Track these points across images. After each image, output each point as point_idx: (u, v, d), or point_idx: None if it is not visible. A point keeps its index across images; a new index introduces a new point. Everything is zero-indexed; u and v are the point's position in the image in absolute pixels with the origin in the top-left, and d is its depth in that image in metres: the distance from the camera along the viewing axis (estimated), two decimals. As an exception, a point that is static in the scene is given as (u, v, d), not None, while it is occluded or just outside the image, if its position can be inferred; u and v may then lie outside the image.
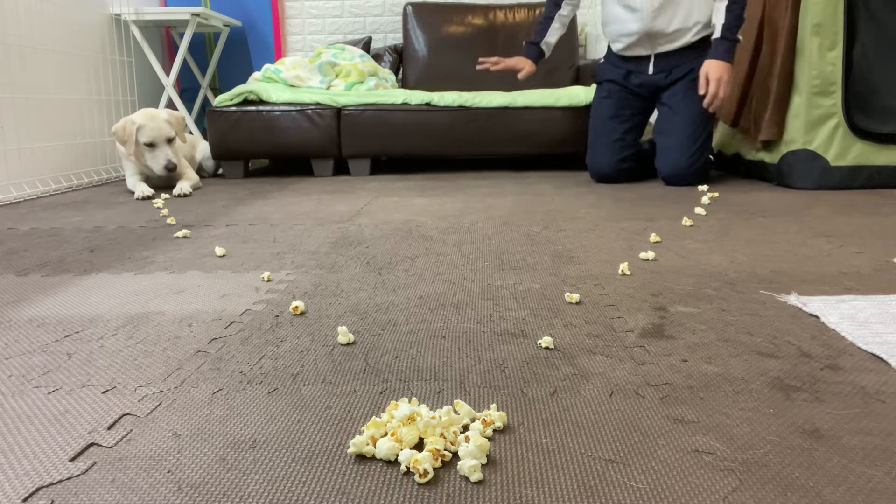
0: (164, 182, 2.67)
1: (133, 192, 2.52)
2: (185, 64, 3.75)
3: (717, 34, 2.36)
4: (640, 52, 2.53)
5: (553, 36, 2.68)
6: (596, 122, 2.65)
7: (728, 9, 2.35)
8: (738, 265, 1.35)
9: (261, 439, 0.68)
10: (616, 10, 2.50)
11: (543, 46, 2.69)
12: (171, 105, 3.40)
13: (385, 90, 3.21)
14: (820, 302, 1.09)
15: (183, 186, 2.50)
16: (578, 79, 3.55)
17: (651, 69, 2.55)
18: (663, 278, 1.27)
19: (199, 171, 3.05)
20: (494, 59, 2.66)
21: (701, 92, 2.37)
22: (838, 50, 2.26)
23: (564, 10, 2.66)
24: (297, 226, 1.85)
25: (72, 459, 0.65)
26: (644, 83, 2.58)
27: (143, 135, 2.48)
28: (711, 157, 2.54)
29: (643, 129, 2.69)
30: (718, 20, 2.37)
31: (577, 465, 0.63)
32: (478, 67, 2.68)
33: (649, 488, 0.59)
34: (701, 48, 2.46)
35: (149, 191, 2.45)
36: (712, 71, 2.34)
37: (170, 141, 2.53)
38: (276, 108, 2.97)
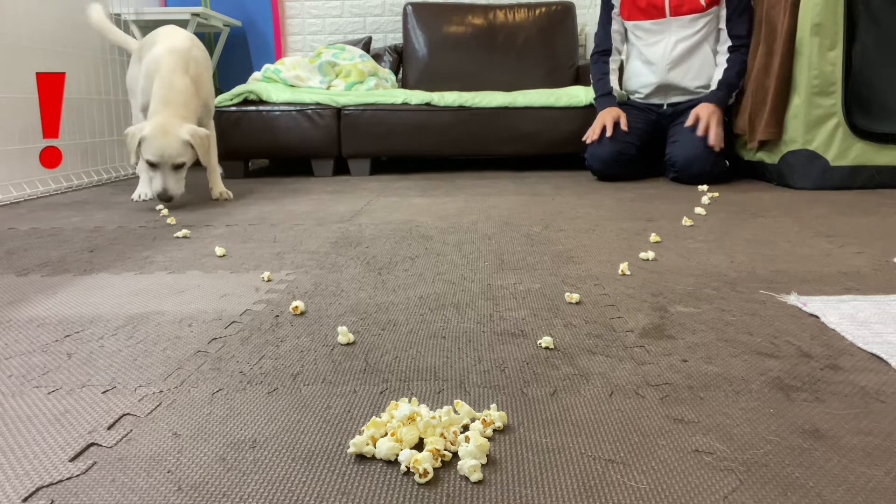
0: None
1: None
2: (185, 64, 3.75)
3: (713, 86, 2.61)
4: (655, 100, 2.79)
5: (616, 84, 2.82)
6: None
7: (727, 68, 2.57)
8: (738, 265, 1.35)
9: (261, 439, 0.68)
10: (637, 66, 2.80)
11: (615, 94, 2.79)
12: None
13: (385, 90, 3.21)
14: (820, 302, 1.09)
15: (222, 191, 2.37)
16: (578, 79, 3.55)
17: (663, 109, 2.80)
18: (663, 278, 1.27)
19: None
20: (604, 129, 2.65)
21: (688, 124, 2.53)
22: (838, 50, 2.25)
23: (613, 65, 2.83)
24: (297, 226, 1.85)
25: (72, 459, 0.65)
26: (653, 112, 2.80)
27: (146, 150, 2.06)
28: (727, 162, 2.60)
29: (644, 140, 2.73)
30: (717, 73, 2.61)
31: (577, 465, 0.63)
32: (594, 138, 2.65)
33: (649, 488, 0.59)
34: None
35: (149, 193, 2.35)
36: (702, 110, 2.52)
37: (178, 167, 2.10)
38: (276, 108, 2.97)
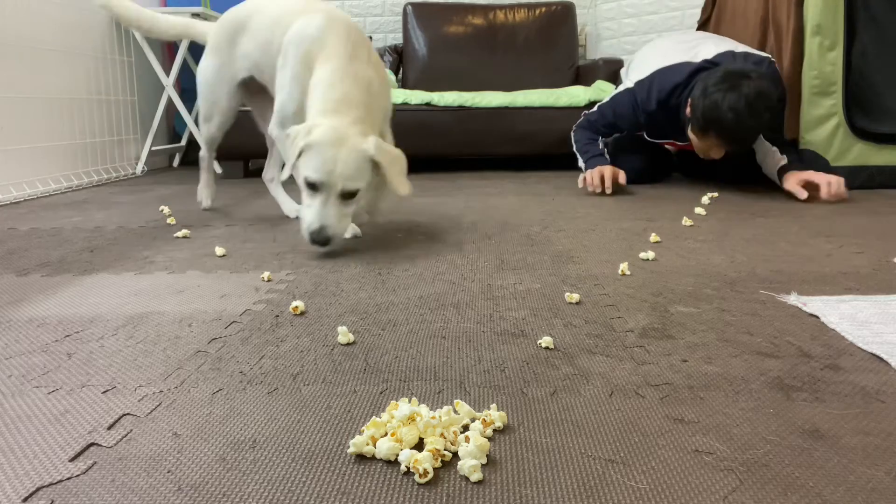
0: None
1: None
2: (185, 64, 3.75)
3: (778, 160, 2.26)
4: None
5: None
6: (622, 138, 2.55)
7: (785, 150, 2.26)
8: (738, 265, 1.35)
9: (261, 439, 0.68)
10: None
11: (608, 155, 2.51)
12: (170, 106, 3.38)
13: (385, 90, 3.20)
14: (820, 302, 1.09)
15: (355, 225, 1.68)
16: (578, 79, 3.55)
17: None
18: (663, 278, 1.27)
19: None
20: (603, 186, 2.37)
21: (803, 197, 2.14)
22: (838, 50, 2.26)
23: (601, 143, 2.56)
24: (297, 226, 1.85)
25: (72, 459, 0.65)
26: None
27: (309, 164, 1.40)
28: None
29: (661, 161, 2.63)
30: (769, 152, 2.28)
31: (577, 465, 0.63)
32: (596, 188, 2.38)
33: (649, 488, 0.59)
34: None
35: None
36: (813, 176, 2.15)
37: (349, 196, 1.44)
38: (276, 108, 2.97)
